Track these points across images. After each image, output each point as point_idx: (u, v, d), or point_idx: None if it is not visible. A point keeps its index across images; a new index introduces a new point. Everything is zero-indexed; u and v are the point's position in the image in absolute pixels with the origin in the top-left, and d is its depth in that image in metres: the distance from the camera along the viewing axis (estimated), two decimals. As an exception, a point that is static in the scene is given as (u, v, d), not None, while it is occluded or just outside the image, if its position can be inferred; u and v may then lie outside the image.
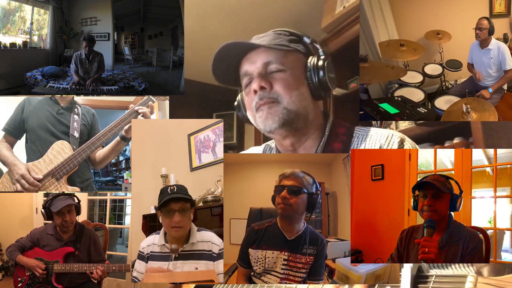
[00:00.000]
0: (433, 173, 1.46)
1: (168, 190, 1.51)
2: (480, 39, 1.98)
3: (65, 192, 2.00)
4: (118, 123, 2.01)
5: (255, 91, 1.31)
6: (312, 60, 1.34)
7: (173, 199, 1.48)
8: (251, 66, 1.33)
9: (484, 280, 1.06)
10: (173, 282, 1.06)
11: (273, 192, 1.43)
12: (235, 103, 1.47)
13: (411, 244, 1.39)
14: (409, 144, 1.36)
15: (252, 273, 1.44)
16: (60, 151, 2.04)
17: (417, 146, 1.39)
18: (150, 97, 2.00)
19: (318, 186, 1.43)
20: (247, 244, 1.44)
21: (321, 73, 1.33)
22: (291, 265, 1.40)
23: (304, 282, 1.41)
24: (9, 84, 2.14)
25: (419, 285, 1.16)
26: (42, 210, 1.94)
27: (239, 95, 1.45)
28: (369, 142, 1.36)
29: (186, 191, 1.55)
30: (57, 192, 2.00)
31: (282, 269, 1.40)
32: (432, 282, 1.14)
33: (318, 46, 1.39)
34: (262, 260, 1.41)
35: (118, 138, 2.06)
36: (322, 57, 1.34)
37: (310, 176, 1.41)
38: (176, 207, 1.47)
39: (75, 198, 1.96)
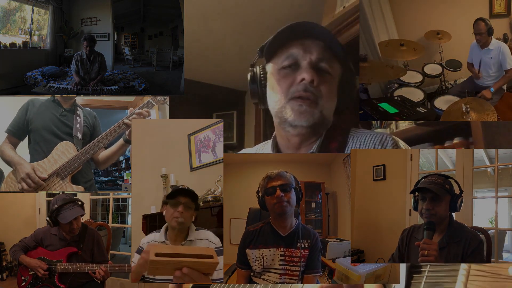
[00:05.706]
0: (432, 173, 1.45)
1: (180, 187, 1.63)
2: (481, 43, 1.98)
3: (69, 192, 2.02)
4: (120, 125, 2.05)
5: (302, 80, 1.31)
6: (347, 75, 1.37)
7: (182, 192, 1.57)
8: (305, 53, 1.31)
9: (477, 267, 1.06)
10: (175, 253, 1.08)
11: (260, 195, 1.46)
12: (249, 74, 1.43)
13: (412, 243, 1.39)
14: (402, 147, 1.39)
15: (252, 273, 1.47)
16: (64, 151, 2.09)
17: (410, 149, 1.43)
18: (151, 100, 2.03)
19: (297, 181, 1.48)
20: (243, 246, 1.48)
21: (352, 92, 1.38)
22: (288, 260, 1.44)
23: (301, 275, 1.44)
24: (9, 84, 2.14)
25: (414, 275, 1.16)
26: (48, 219, 1.91)
27: (258, 67, 1.42)
28: (363, 145, 1.39)
29: None
30: (61, 191, 2.02)
31: (280, 264, 1.44)
32: (426, 271, 1.14)
33: (351, 65, 1.40)
34: (260, 259, 1.45)
35: (122, 141, 2.10)
36: (357, 76, 1.39)
37: (290, 173, 1.46)
38: (183, 200, 1.54)
39: (78, 202, 1.95)
